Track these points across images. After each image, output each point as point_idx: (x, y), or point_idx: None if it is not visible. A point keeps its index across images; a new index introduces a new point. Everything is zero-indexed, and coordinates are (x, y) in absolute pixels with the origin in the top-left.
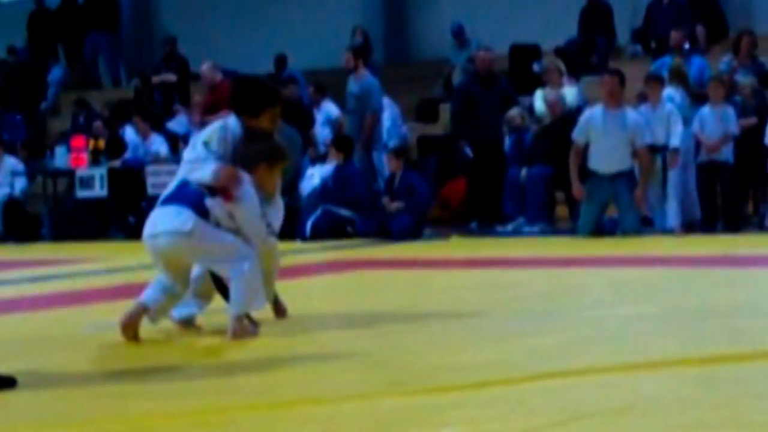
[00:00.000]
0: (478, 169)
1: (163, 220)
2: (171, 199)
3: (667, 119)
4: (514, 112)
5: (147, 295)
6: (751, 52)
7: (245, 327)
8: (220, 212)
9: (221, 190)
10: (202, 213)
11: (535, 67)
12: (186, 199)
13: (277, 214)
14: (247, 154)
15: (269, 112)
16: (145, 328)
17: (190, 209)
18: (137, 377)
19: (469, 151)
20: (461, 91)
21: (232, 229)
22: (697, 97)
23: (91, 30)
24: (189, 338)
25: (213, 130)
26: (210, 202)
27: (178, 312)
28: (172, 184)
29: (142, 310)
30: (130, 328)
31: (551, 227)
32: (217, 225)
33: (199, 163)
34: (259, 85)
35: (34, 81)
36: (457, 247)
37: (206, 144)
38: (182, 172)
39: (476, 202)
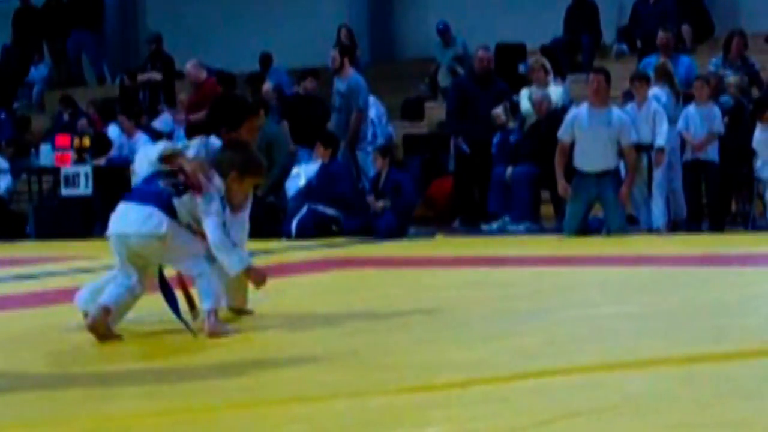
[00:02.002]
0: (467, 168)
1: (133, 221)
2: (139, 198)
3: (653, 118)
4: (498, 110)
5: (109, 296)
6: (741, 52)
7: (221, 323)
8: (186, 213)
9: (192, 185)
10: (172, 213)
11: (521, 68)
12: (155, 198)
13: (241, 232)
14: (221, 159)
15: (248, 123)
16: (130, 328)
17: (161, 210)
18: (120, 377)
19: (465, 147)
20: (457, 89)
21: (195, 229)
22: (683, 96)
23: (74, 28)
24: (171, 337)
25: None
26: (177, 202)
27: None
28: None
29: (105, 312)
30: (96, 330)
31: (536, 226)
32: (186, 225)
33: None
34: (236, 100)
35: (14, 79)
36: (443, 245)
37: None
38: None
39: (462, 200)
